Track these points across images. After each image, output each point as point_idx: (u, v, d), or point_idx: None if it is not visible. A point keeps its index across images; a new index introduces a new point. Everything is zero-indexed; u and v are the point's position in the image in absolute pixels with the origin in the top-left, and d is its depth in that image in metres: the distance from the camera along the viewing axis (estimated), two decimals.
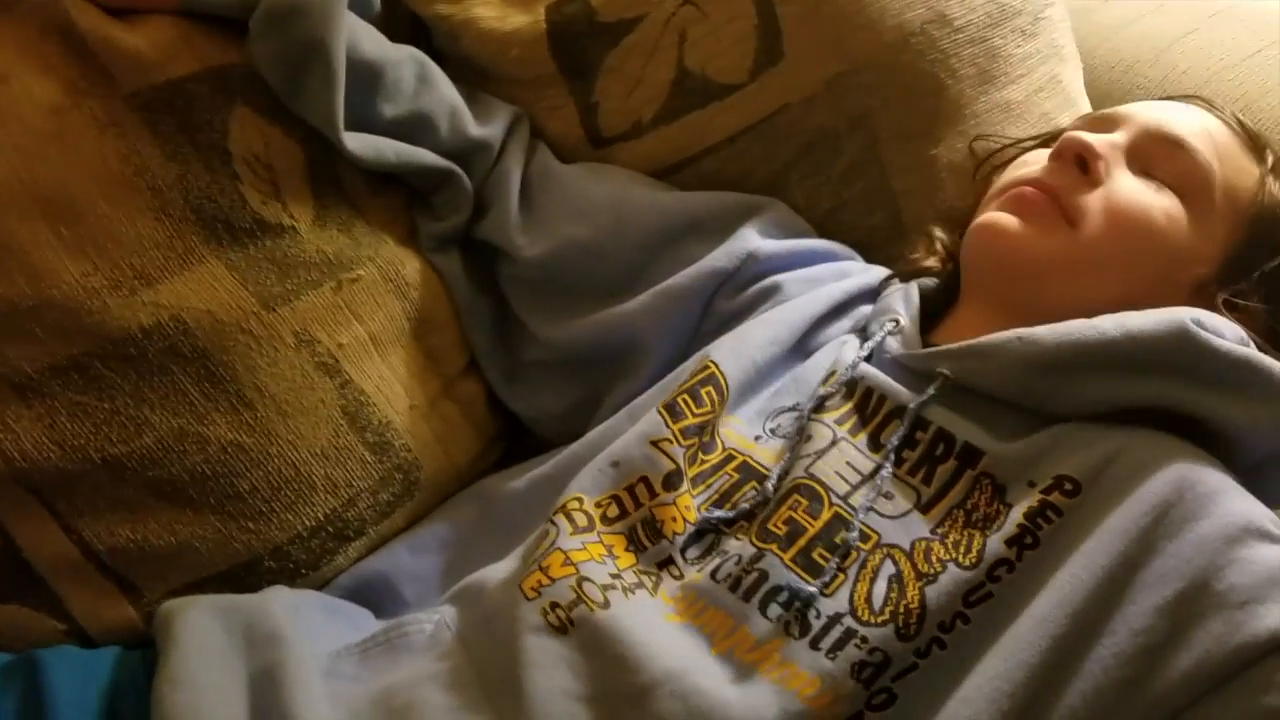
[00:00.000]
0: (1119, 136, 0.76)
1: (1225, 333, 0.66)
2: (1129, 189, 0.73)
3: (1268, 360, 0.65)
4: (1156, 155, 0.74)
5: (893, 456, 0.68)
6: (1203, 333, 0.65)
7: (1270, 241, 0.74)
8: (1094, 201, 0.73)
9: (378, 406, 0.80)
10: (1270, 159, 0.76)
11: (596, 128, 0.90)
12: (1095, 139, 0.74)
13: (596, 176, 0.89)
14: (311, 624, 0.69)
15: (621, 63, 0.88)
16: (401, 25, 0.89)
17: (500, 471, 0.83)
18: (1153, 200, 0.73)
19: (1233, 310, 0.71)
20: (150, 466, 0.71)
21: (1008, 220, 0.74)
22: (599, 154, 0.91)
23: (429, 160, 0.83)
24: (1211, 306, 0.71)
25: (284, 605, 0.69)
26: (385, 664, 0.67)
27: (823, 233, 0.89)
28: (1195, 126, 0.75)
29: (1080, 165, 0.74)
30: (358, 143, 0.79)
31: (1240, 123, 0.78)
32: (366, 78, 0.79)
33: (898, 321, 0.75)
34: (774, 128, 0.89)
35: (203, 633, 0.65)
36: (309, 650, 0.65)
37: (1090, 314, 0.68)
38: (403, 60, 0.82)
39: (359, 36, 0.79)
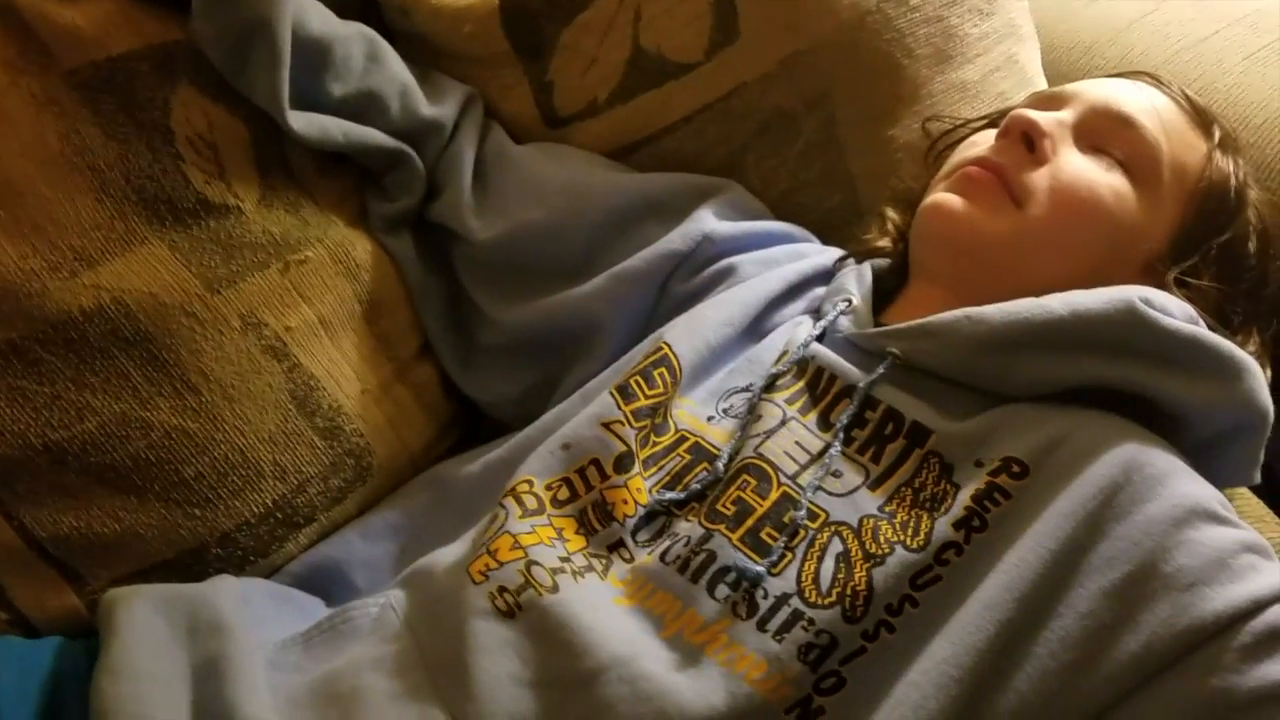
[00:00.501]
0: (1066, 114, 0.75)
1: (1174, 311, 0.66)
2: (1076, 167, 0.73)
3: (1216, 338, 0.65)
4: (1104, 132, 0.74)
5: (842, 435, 0.68)
6: (1150, 311, 0.65)
7: (1218, 218, 0.74)
8: (1040, 180, 0.72)
9: (327, 391, 0.78)
10: (1217, 135, 0.76)
11: (551, 107, 0.89)
12: (1042, 117, 0.74)
13: (551, 158, 0.88)
14: (258, 613, 0.68)
15: (576, 40, 0.86)
16: (351, 2, 0.88)
17: (454, 456, 0.82)
18: (1100, 178, 0.72)
19: (1183, 288, 0.71)
20: (93, 452, 0.70)
21: (954, 201, 0.74)
22: (554, 134, 0.90)
23: (379, 140, 0.82)
24: (1162, 285, 0.70)
25: (230, 595, 0.68)
26: (330, 651, 0.66)
27: (780, 214, 0.89)
28: (1143, 103, 0.75)
29: (1027, 143, 0.74)
30: (303, 122, 0.77)
31: (1188, 99, 0.77)
32: (314, 55, 0.78)
33: (850, 301, 0.75)
34: (730, 107, 0.88)
35: (145, 623, 0.64)
36: (253, 641, 0.64)
37: (1039, 293, 0.68)
38: (352, 38, 0.81)
39: (306, 13, 0.77)
